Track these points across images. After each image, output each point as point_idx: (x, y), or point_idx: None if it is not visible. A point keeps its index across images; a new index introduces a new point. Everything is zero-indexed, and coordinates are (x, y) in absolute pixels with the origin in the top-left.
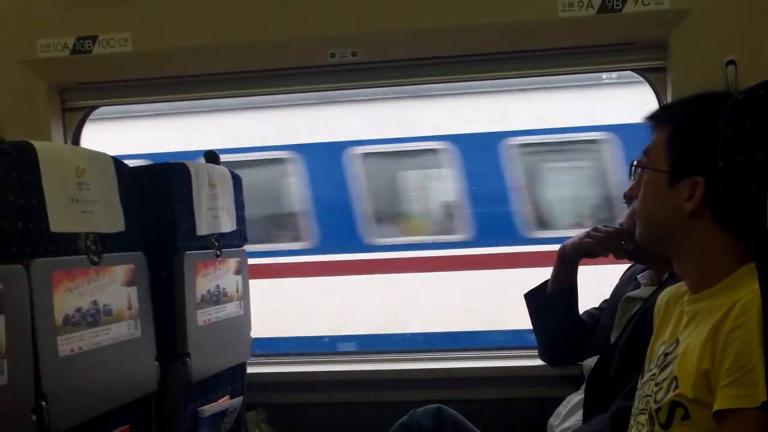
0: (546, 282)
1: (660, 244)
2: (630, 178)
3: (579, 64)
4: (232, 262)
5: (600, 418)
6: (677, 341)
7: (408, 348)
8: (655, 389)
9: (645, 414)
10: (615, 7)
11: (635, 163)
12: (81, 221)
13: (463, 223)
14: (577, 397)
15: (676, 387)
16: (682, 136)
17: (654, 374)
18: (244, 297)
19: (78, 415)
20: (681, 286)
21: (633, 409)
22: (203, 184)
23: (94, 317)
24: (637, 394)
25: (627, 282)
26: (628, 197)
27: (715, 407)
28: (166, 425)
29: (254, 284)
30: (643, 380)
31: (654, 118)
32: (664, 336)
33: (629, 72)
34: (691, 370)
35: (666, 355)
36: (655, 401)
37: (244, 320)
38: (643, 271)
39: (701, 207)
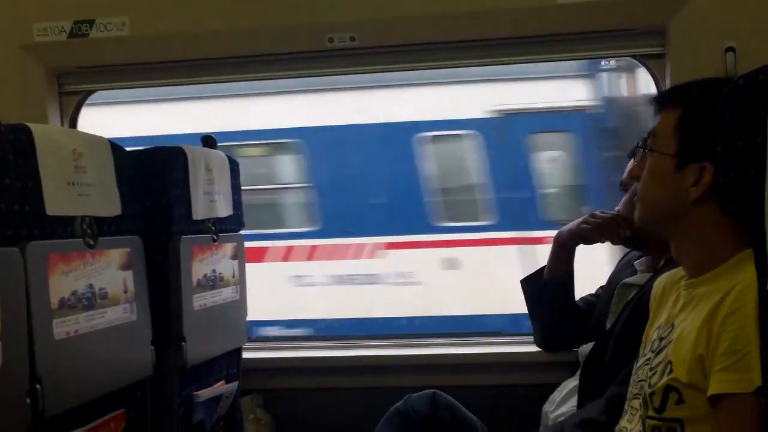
0: (542, 268)
1: (659, 228)
2: (632, 159)
3: (577, 51)
4: (229, 247)
5: (595, 404)
6: (672, 326)
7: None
8: (650, 374)
9: (639, 398)
10: None
11: (641, 144)
12: (77, 204)
13: None
14: (572, 383)
15: (671, 371)
16: (693, 121)
17: (648, 359)
18: (240, 282)
19: (73, 399)
20: (677, 272)
21: (627, 394)
22: (200, 169)
23: (90, 301)
24: (632, 378)
25: (623, 268)
26: (626, 182)
27: (710, 392)
28: (162, 409)
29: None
30: (638, 365)
31: (661, 100)
32: (660, 321)
33: None
34: (686, 354)
35: (661, 339)
36: (650, 386)
37: (240, 305)
38: (640, 257)
39: (707, 193)
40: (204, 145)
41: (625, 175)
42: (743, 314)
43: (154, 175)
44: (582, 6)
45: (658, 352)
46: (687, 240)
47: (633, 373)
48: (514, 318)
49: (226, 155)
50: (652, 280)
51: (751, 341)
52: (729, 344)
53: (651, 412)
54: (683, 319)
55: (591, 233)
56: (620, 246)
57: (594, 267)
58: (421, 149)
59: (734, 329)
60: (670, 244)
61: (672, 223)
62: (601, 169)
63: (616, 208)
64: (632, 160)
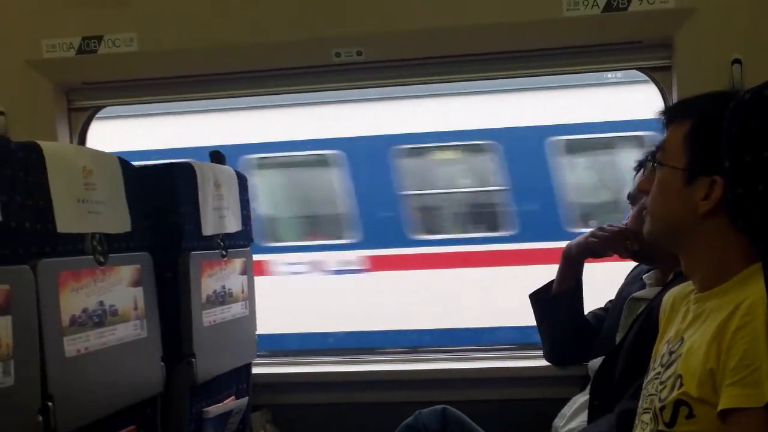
0: (551, 282)
1: (669, 242)
2: (638, 173)
3: (584, 63)
4: (238, 263)
5: (605, 419)
6: (682, 339)
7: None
8: (660, 388)
9: (649, 413)
10: (620, 6)
11: (650, 158)
12: (87, 222)
13: None
14: (582, 397)
15: (681, 385)
16: (703, 134)
17: (658, 373)
18: (250, 297)
19: (84, 416)
20: (686, 286)
21: (638, 409)
22: (209, 184)
23: (101, 318)
24: (642, 393)
25: (632, 282)
26: (634, 196)
27: (720, 406)
28: (172, 426)
29: None
30: (648, 379)
31: (670, 114)
32: (669, 335)
33: None
34: (696, 368)
35: (671, 353)
36: (660, 400)
37: (249, 321)
38: (648, 271)
39: (717, 207)
40: (212, 161)
41: (633, 188)
42: (753, 328)
43: (163, 192)
44: (588, 19)
45: (668, 366)
46: (696, 254)
47: (643, 387)
48: None
49: (235, 170)
50: (661, 294)
51: (761, 356)
52: (739, 358)
53: (661, 427)
54: (693, 333)
55: (599, 246)
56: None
57: None
58: None
59: (745, 343)
60: (680, 258)
61: (682, 237)
62: None
63: (624, 222)
64: (639, 173)
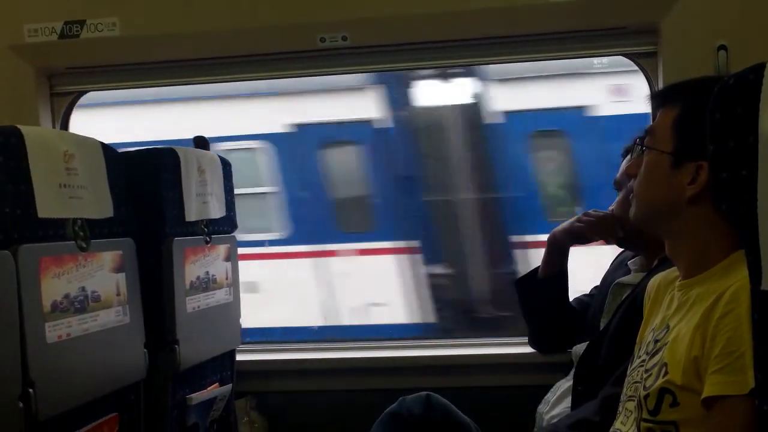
0: (536, 268)
1: (655, 226)
2: (625, 160)
3: (569, 49)
4: (222, 249)
5: (589, 405)
6: (667, 327)
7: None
8: (645, 376)
9: (633, 401)
10: None
11: (638, 141)
12: (69, 207)
13: None
14: (566, 383)
15: (666, 373)
16: (691, 119)
17: (643, 361)
18: (234, 284)
19: (66, 403)
20: (671, 272)
21: (621, 396)
22: (192, 170)
23: (83, 304)
24: (626, 380)
25: (617, 268)
26: (620, 182)
27: (704, 394)
28: (155, 413)
29: None
30: (633, 367)
31: (660, 97)
32: (654, 322)
33: None
34: (681, 356)
35: (656, 341)
36: (644, 388)
37: (233, 307)
38: (633, 257)
39: (703, 192)
40: (196, 146)
41: (618, 174)
42: (737, 315)
43: (146, 177)
44: (574, 4)
45: (653, 354)
46: (681, 239)
47: (627, 374)
48: None
49: (219, 156)
50: (646, 279)
51: (745, 343)
52: (723, 346)
53: (645, 415)
54: (678, 320)
55: (585, 231)
56: None
57: None
58: None
59: (728, 330)
60: (665, 244)
61: (667, 222)
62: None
63: (610, 207)
64: (626, 159)
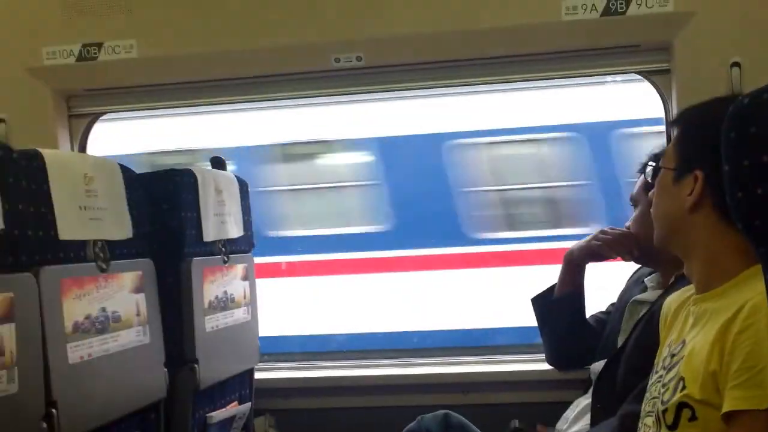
0: (553, 286)
1: (671, 244)
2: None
3: (583, 67)
4: (240, 268)
5: (608, 423)
6: (683, 342)
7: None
8: (662, 390)
9: (652, 416)
10: (619, 10)
11: (649, 163)
12: (89, 229)
13: None
14: (584, 401)
15: (683, 388)
16: (688, 134)
17: (661, 376)
18: (252, 302)
19: (88, 423)
20: (684, 293)
21: (641, 412)
22: (210, 190)
23: (103, 324)
24: (645, 396)
25: (634, 285)
26: (635, 199)
27: (724, 408)
28: (176, 431)
29: None
30: (650, 382)
31: (672, 122)
32: (671, 338)
33: None
34: (699, 370)
35: (672, 356)
36: (662, 402)
37: (251, 326)
38: (650, 274)
39: (701, 201)
40: (213, 166)
41: (635, 190)
42: (757, 331)
43: (164, 198)
44: (587, 23)
45: (670, 369)
46: (693, 252)
47: (646, 391)
48: None
49: (236, 176)
50: (663, 296)
51: (764, 358)
52: (743, 360)
53: (664, 430)
54: (695, 335)
55: (602, 249)
56: None
57: None
58: None
59: (748, 346)
60: (684, 264)
61: (677, 236)
62: None
63: (626, 225)
64: (642, 176)
